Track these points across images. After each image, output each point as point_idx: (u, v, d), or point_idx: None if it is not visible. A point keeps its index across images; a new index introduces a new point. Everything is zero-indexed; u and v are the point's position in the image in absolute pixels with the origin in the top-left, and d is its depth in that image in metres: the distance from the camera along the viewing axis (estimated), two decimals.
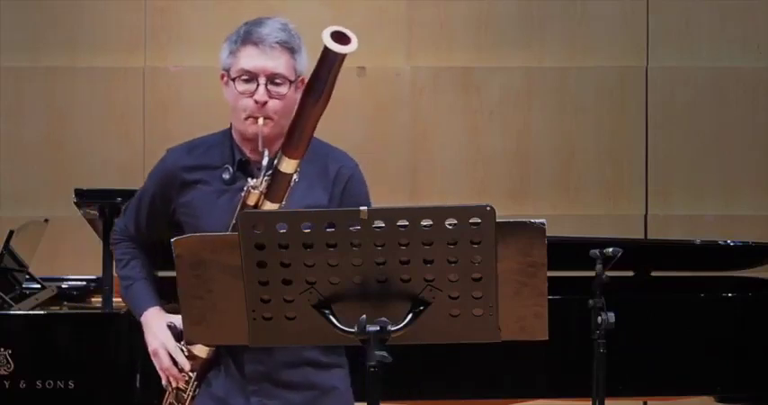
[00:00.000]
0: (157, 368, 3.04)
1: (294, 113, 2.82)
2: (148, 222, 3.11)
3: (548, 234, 2.42)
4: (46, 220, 5.01)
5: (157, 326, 3.02)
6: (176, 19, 6.37)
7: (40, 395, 3.99)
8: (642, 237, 6.28)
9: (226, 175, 2.96)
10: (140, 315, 3.07)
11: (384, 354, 2.42)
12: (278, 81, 2.93)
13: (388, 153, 6.30)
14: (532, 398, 4.35)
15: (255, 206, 2.82)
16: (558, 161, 6.42)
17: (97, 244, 4.33)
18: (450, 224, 2.38)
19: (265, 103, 2.92)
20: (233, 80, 2.96)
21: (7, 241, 4.52)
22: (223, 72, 3.00)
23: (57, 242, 5.78)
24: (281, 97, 2.92)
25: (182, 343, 2.98)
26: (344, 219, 2.39)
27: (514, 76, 6.42)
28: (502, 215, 2.38)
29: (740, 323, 4.42)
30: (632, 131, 6.43)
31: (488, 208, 2.37)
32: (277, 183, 2.82)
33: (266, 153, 2.83)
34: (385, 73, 6.29)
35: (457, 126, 6.40)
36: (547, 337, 2.50)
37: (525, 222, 2.41)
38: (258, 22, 2.99)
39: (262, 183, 2.82)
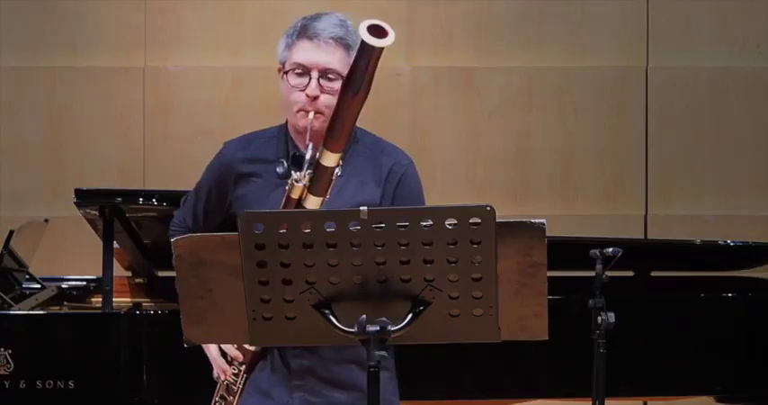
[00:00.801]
0: (210, 360, 3.05)
1: (334, 108, 2.82)
2: (205, 215, 3.12)
3: (548, 234, 2.42)
4: (46, 220, 5.01)
5: None
6: (176, 19, 6.36)
7: (40, 395, 3.99)
8: (642, 237, 6.28)
9: (280, 169, 2.94)
10: None
11: (384, 354, 2.42)
12: (331, 76, 2.92)
13: None
14: (532, 398, 4.35)
15: (299, 199, 2.81)
16: (558, 161, 6.42)
17: (97, 244, 4.33)
18: (450, 224, 2.38)
19: (317, 97, 2.91)
20: (286, 73, 2.96)
21: (7, 241, 4.52)
22: (279, 65, 2.99)
23: (57, 242, 5.78)
24: (333, 92, 2.89)
25: None
26: (344, 219, 2.39)
27: (514, 76, 6.42)
28: (502, 215, 2.38)
29: (740, 323, 4.42)
30: (632, 131, 6.43)
31: (488, 208, 2.37)
32: (319, 176, 2.81)
33: (310, 146, 2.83)
34: (385, 73, 6.27)
35: (457, 126, 6.40)
36: (547, 337, 2.50)
37: (525, 222, 2.41)
38: (315, 17, 2.98)
39: (305, 176, 2.82)
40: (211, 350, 3.04)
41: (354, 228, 2.38)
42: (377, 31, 2.68)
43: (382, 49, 2.70)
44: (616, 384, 3.92)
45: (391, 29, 2.68)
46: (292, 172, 2.84)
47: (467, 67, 6.41)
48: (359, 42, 2.80)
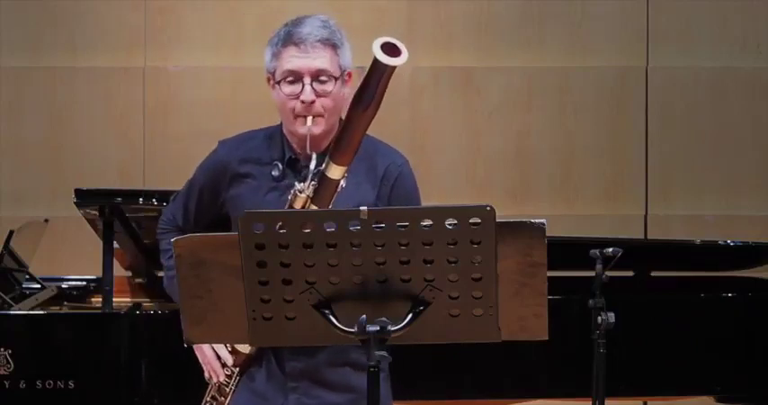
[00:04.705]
0: (201, 362, 3.05)
1: (343, 122, 2.82)
2: (196, 214, 3.11)
3: (548, 234, 2.42)
4: (46, 220, 5.01)
5: None
6: (176, 19, 6.36)
7: (40, 395, 3.99)
8: (642, 237, 6.28)
9: (275, 172, 2.95)
10: None
11: (384, 353, 2.42)
12: (323, 78, 2.92)
13: None
14: (532, 398, 4.35)
15: None
16: (558, 161, 6.42)
17: (97, 244, 4.33)
18: (450, 224, 2.38)
19: (313, 102, 2.91)
20: (278, 83, 2.95)
21: (7, 241, 4.52)
22: (268, 75, 2.99)
23: (57, 242, 5.78)
24: (327, 95, 2.91)
25: None
26: (344, 219, 2.39)
27: (514, 76, 6.42)
28: (502, 215, 2.38)
29: (740, 323, 4.42)
30: (632, 131, 6.43)
31: (488, 208, 2.38)
32: (324, 188, 2.82)
33: (314, 157, 2.84)
34: None
35: (457, 126, 6.40)
36: (547, 337, 2.50)
37: (525, 222, 2.41)
38: (298, 22, 2.97)
39: (309, 187, 2.82)
40: (205, 351, 3.03)
41: (354, 228, 2.39)
42: (391, 50, 2.68)
43: (394, 67, 2.70)
44: (616, 384, 3.92)
45: (405, 49, 2.68)
46: (296, 182, 2.84)
47: (467, 67, 6.41)
48: (345, 39, 2.81)
